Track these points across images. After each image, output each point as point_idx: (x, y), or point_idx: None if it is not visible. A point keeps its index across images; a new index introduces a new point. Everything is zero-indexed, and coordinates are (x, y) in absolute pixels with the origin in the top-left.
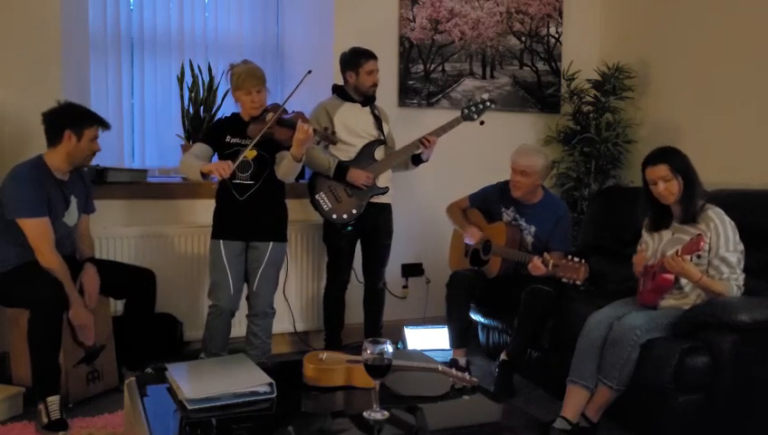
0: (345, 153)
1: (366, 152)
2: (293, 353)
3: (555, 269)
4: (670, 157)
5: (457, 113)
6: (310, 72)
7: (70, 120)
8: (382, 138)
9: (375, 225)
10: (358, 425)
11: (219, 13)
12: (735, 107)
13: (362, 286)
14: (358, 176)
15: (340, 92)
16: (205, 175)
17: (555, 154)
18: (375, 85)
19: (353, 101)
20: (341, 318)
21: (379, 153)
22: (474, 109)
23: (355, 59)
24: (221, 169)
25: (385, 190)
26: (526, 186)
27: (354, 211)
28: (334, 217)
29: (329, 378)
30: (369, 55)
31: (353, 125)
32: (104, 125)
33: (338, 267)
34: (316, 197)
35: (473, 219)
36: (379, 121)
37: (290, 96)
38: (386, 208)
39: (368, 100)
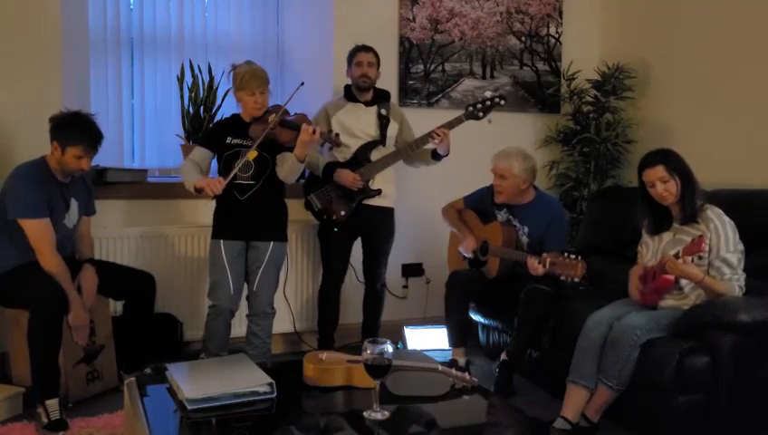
0: (341, 154)
1: (361, 154)
2: (293, 353)
3: (553, 268)
4: (666, 157)
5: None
6: (302, 84)
7: (59, 131)
8: (379, 139)
9: (371, 228)
10: (358, 425)
11: (219, 13)
12: (735, 107)
13: (363, 286)
14: (345, 177)
15: (347, 92)
16: (198, 190)
17: (555, 154)
18: (364, 77)
19: (358, 100)
20: (335, 317)
21: (376, 154)
22: (479, 107)
23: (350, 53)
24: (213, 185)
25: (377, 192)
26: (507, 189)
27: (343, 213)
28: (324, 217)
29: (329, 378)
30: (360, 48)
31: (351, 126)
32: (90, 147)
33: (327, 265)
34: (308, 197)
35: (468, 220)
36: (384, 121)
37: (286, 103)
38: (386, 212)
39: (376, 99)
